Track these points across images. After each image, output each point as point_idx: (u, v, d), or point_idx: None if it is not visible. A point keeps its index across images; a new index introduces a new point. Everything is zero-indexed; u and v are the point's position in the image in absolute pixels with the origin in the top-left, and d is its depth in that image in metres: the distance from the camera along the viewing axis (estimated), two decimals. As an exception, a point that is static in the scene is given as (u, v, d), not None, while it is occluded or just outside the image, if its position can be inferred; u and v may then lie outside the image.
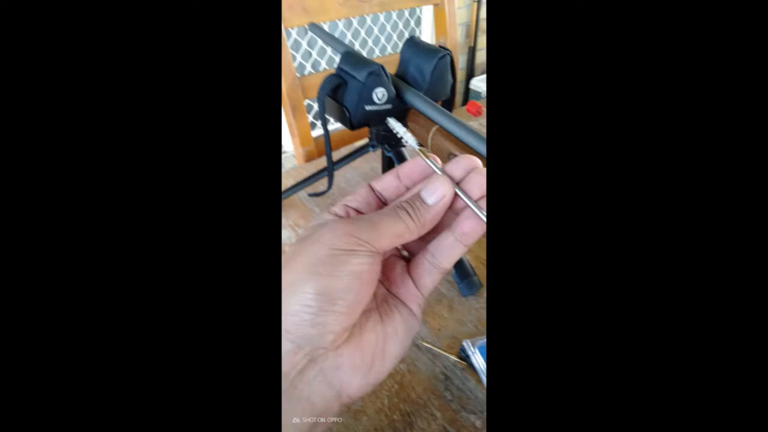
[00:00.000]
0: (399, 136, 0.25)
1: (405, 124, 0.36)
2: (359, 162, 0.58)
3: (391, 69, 0.40)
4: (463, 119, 0.34)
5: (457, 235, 0.21)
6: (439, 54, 0.39)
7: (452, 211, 0.21)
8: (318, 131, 1.59)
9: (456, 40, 0.85)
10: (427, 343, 0.38)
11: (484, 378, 0.35)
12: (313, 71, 1.68)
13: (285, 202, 0.56)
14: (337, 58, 0.40)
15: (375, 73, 0.37)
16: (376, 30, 1.79)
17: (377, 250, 0.18)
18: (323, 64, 1.69)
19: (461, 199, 0.20)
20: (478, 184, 0.20)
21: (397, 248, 0.23)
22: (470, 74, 2.01)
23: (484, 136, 0.32)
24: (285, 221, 0.53)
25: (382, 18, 1.77)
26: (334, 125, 0.82)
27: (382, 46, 1.84)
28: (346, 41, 1.15)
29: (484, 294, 0.43)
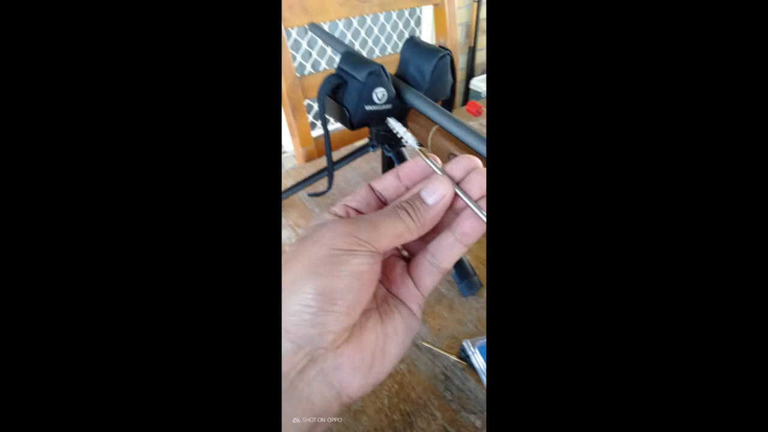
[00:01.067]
0: (399, 136, 0.25)
1: (405, 124, 0.36)
2: (359, 162, 0.58)
3: (391, 69, 0.40)
4: (463, 119, 0.34)
5: (457, 235, 0.21)
6: (439, 54, 0.39)
7: (452, 211, 0.21)
8: (318, 131, 1.59)
9: (456, 40, 0.85)
10: (427, 343, 0.38)
11: (484, 378, 0.35)
12: (313, 71, 1.68)
13: (285, 202, 0.56)
14: (337, 58, 0.40)
15: (375, 73, 0.37)
16: (376, 30, 1.79)
17: (377, 250, 0.18)
18: (323, 64, 1.69)
19: (461, 199, 0.20)
20: (478, 184, 0.20)
21: (397, 248, 0.23)
22: (470, 74, 2.01)
23: (484, 136, 0.32)
24: (285, 221, 0.53)
25: (382, 18, 1.77)
26: (334, 125, 0.82)
27: (382, 46, 1.84)
28: (346, 41, 1.15)
29: (484, 294, 0.43)
